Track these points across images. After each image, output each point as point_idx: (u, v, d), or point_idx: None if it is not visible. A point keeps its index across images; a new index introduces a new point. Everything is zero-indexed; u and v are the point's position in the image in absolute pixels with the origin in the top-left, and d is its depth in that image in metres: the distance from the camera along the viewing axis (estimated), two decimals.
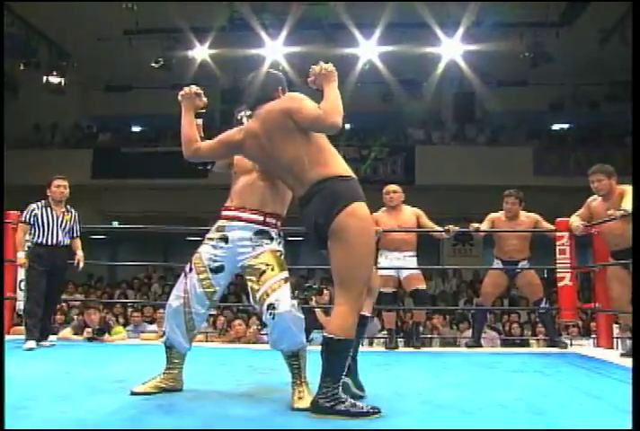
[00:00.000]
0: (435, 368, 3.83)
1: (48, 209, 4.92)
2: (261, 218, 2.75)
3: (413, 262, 5.18)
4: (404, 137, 13.45)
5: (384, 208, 5.24)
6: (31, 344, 4.55)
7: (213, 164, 3.01)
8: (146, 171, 12.37)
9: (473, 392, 2.86)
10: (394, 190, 5.20)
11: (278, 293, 2.60)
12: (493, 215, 5.37)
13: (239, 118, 3.00)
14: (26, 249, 4.87)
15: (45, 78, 12.05)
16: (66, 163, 11.83)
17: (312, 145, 2.47)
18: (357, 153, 12.59)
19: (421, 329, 5.51)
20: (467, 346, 5.31)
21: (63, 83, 12.18)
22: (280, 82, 2.69)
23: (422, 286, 5.20)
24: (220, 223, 2.80)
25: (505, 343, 7.06)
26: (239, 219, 2.75)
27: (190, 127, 2.89)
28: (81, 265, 5.03)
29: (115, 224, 12.51)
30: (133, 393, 2.68)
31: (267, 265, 2.67)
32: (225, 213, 2.81)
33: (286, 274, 2.69)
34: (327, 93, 2.45)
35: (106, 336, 5.40)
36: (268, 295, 2.61)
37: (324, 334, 2.36)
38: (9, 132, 13.75)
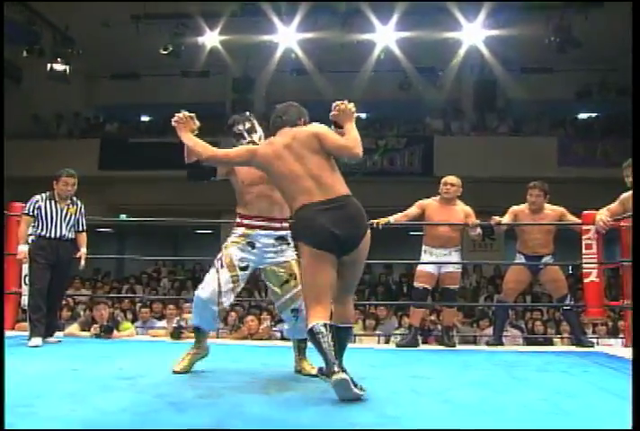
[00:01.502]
0: (455, 367, 3.82)
1: (53, 202, 4.90)
2: (279, 225, 3.33)
3: (457, 257, 5.22)
4: (421, 127, 13.38)
5: (437, 197, 5.26)
6: (37, 341, 4.55)
7: (215, 176, 3.40)
8: (154, 163, 12.39)
9: (494, 392, 2.86)
10: (451, 183, 5.22)
11: (300, 300, 3.19)
12: (515, 207, 5.34)
13: (237, 131, 3.41)
14: (29, 242, 4.88)
15: (49, 66, 12.00)
16: (71, 155, 11.94)
17: (333, 165, 2.91)
18: (373, 143, 12.53)
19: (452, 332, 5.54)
20: (488, 344, 5.30)
21: (67, 70, 12.14)
22: (303, 114, 3.15)
23: (454, 286, 5.24)
24: (243, 231, 3.32)
25: (528, 341, 7.02)
26: (262, 228, 3.30)
27: (195, 139, 3.17)
28: (82, 263, 5.02)
29: (123, 216, 12.58)
30: (175, 372, 3.18)
31: (290, 275, 3.31)
32: (246, 222, 3.32)
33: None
34: (350, 129, 2.95)
35: (114, 332, 5.45)
36: (293, 301, 3.29)
37: (348, 325, 2.91)
38: (11, 122, 13.87)
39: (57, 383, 2.91)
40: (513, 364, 3.95)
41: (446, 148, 12.35)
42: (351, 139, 2.89)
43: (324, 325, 2.63)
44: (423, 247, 5.27)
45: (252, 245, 3.29)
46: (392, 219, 5.18)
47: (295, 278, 3.28)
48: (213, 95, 13.41)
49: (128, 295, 10.19)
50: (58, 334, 5.16)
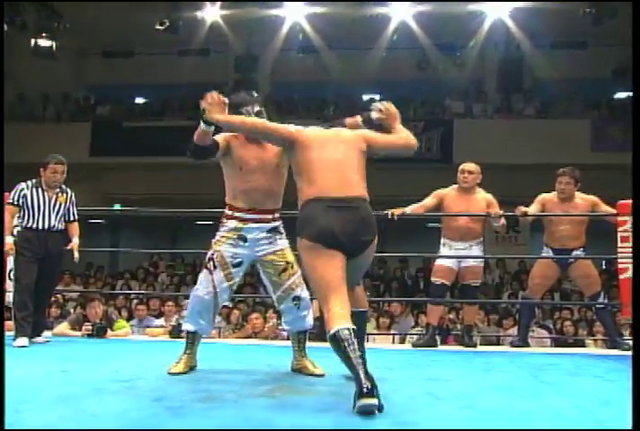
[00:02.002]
0: (476, 369, 3.83)
1: (39, 190, 4.87)
2: (270, 216, 3.44)
3: (478, 250, 5.23)
4: (440, 110, 13.31)
5: (455, 186, 5.26)
6: (23, 341, 4.55)
7: (214, 155, 3.42)
8: (151, 148, 12.40)
9: (520, 397, 2.84)
10: (469, 170, 5.21)
11: (300, 287, 3.43)
12: (543, 196, 5.31)
13: (245, 112, 3.42)
14: (15, 233, 4.85)
15: (33, 41, 11.85)
16: (60, 139, 11.92)
17: (364, 170, 3.08)
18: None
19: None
20: (512, 345, 5.28)
21: (54, 47, 11.98)
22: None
23: (476, 282, 5.26)
24: (234, 224, 3.39)
25: (556, 343, 7.00)
26: (254, 221, 3.38)
27: (229, 116, 3.28)
28: (75, 255, 5.01)
29: (117, 206, 12.60)
30: (170, 374, 3.26)
31: (287, 263, 3.42)
32: (237, 214, 3.40)
33: (299, 269, 3.37)
34: (400, 128, 3.28)
35: (108, 331, 5.47)
36: (293, 289, 3.41)
37: (361, 309, 3.13)
38: None
39: (45, 387, 2.92)
40: (541, 367, 3.94)
41: (467, 132, 12.28)
42: (405, 133, 3.23)
43: (349, 330, 2.56)
44: (442, 240, 5.28)
45: (243, 239, 3.37)
46: (408, 210, 5.18)
47: (292, 267, 3.42)
48: (214, 75, 13.36)
49: (123, 291, 10.22)
50: (47, 333, 5.18)
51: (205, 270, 3.40)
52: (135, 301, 8.62)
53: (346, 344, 2.52)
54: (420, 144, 12.34)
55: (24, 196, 4.83)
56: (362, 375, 2.41)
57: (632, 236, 3.51)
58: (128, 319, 7.58)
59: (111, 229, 15.08)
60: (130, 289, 10.86)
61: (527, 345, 5.32)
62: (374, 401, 2.37)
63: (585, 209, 5.21)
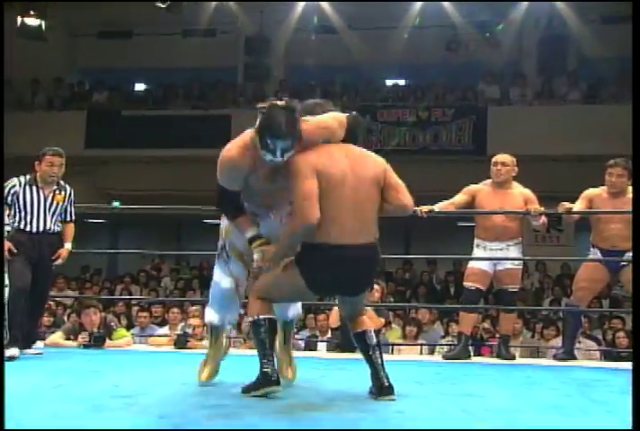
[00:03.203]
0: (516, 385, 3.80)
1: (33, 188, 4.77)
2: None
3: (516, 252, 5.21)
4: (473, 96, 13.24)
5: (489, 181, 5.25)
6: (14, 352, 4.48)
7: None
8: (152, 140, 12.44)
9: (566, 417, 2.81)
10: (502, 161, 5.21)
11: None
12: (591, 191, 5.25)
13: None
14: (5, 234, 4.76)
15: (20, 20, 11.82)
16: (52, 129, 11.93)
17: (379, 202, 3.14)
18: (414, 115, 12.46)
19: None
20: (557, 358, 5.23)
21: (43, 26, 11.99)
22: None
23: (513, 287, 5.24)
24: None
25: (606, 356, 6.93)
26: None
27: (285, 239, 3.24)
28: (58, 262, 4.87)
29: (116, 204, 12.67)
30: (203, 384, 3.36)
31: None
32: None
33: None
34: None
35: (107, 341, 5.48)
36: None
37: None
38: None
39: (37, 403, 2.92)
40: (589, 383, 3.91)
41: (502, 121, 12.20)
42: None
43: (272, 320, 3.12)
44: (475, 241, 5.27)
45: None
46: (436, 207, 5.17)
47: None
48: (221, 58, 13.41)
49: (123, 297, 10.26)
50: (39, 344, 5.15)
51: (220, 260, 3.50)
52: (136, 307, 8.65)
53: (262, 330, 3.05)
54: (450, 133, 12.37)
55: (15, 193, 4.72)
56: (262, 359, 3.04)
57: (632, 236, 3.46)
58: (129, 327, 7.59)
59: (110, 229, 15.16)
60: (131, 294, 10.91)
61: (573, 358, 5.27)
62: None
63: None
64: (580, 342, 6.70)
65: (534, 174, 11.84)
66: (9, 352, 4.48)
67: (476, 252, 5.24)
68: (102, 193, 13.20)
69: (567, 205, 5.16)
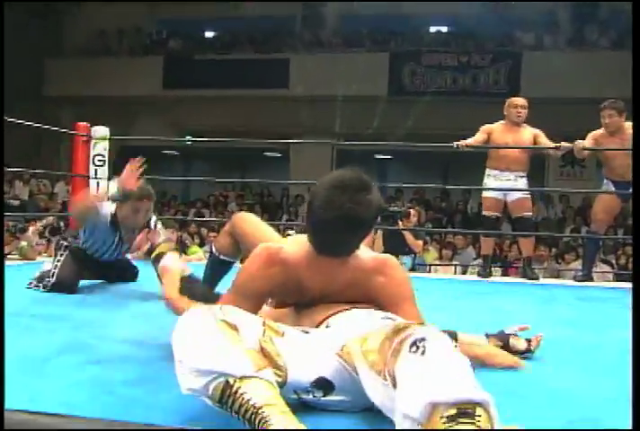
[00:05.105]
0: (540, 301, 3.78)
1: (113, 227, 3.44)
2: None
3: (523, 184, 5.14)
4: (509, 42, 12.77)
5: (502, 122, 5.18)
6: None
7: None
8: (220, 81, 12.39)
9: (585, 330, 2.80)
10: (523, 105, 5.13)
11: None
12: (595, 132, 5.09)
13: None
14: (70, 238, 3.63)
15: None
16: (134, 73, 12.05)
17: None
18: (455, 60, 12.15)
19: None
20: (576, 279, 5.17)
21: None
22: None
23: (529, 213, 5.19)
24: None
25: (619, 278, 6.84)
26: None
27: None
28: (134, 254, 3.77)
29: (188, 137, 12.75)
30: None
31: None
32: None
33: None
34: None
35: (182, 255, 5.61)
36: None
37: None
38: (71, 39, 14.06)
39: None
40: (605, 300, 3.88)
41: (536, 65, 11.74)
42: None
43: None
44: (487, 171, 5.21)
45: None
46: (471, 141, 5.15)
47: None
48: (281, 8, 13.11)
49: (196, 219, 10.44)
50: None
51: None
52: (206, 228, 8.81)
53: None
54: (487, 77, 11.91)
55: (95, 223, 3.39)
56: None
57: (632, 235, 3.36)
58: (201, 245, 7.76)
59: (183, 159, 15.30)
60: (202, 217, 11.10)
61: (591, 279, 5.21)
62: None
63: None
64: (597, 266, 6.62)
65: (564, 115, 11.56)
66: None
67: (487, 182, 5.18)
68: (177, 128, 13.27)
69: (581, 142, 5.02)
